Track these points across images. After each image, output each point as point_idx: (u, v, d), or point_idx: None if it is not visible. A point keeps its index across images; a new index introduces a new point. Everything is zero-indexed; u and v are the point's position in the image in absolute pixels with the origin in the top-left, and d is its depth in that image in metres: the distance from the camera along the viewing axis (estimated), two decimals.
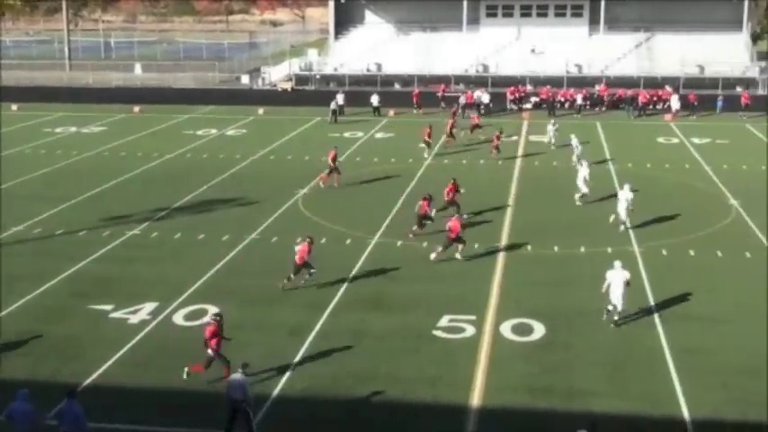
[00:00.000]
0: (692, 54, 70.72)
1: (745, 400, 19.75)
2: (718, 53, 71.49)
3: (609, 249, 30.38)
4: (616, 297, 23.74)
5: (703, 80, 69.17)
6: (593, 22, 75.63)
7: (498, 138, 46.14)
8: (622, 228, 32.59)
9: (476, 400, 20.03)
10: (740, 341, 22.85)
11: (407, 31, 79.59)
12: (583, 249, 30.59)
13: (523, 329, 23.81)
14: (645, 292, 26.44)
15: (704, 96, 62.29)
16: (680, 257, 29.66)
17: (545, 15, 77.46)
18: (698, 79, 69.23)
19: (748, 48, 74.01)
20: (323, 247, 30.67)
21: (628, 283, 23.85)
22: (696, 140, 51.06)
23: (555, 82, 68.37)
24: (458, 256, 29.32)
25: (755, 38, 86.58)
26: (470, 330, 23.76)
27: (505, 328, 23.88)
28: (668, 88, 65.19)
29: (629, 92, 63.68)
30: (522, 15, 77.75)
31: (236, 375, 18.43)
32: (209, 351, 20.58)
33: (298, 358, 21.88)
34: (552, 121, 51.66)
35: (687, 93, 62.66)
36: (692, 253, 29.94)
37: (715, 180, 40.95)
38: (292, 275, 26.67)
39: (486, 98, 61.94)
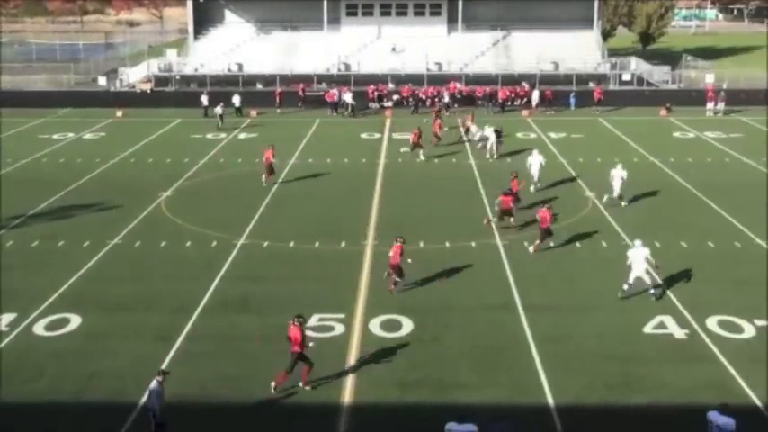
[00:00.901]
0: (547, 51, 72.99)
1: (605, 384, 20.53)
2: (572, 50, 74.04)
3: (473, 243, 31.03)
4: (638, 272, 25.38)
5: (558, 76, 71.45)
6: (452, 20, 76.97)
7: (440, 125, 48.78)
8: (623, 204, 35.53)
9: (347, 397, 20.14)
10: (598, 328, 23.73)
11: (268, 31, 79.17)
12: (448, 244, 31.12)
13: (392, 325, 24.06)
14: (509, 283, 27.12)
15: (559, 92, 64.31)
16: (541, 250, 30.50)
17: (404, 14, 78.39)
18: (553, 76, 71.48)
19: (599, 45, 76.81)
20: (188, 250, 30.25)
21: (648, 261, 25.47)
22: (553, 135, 52.60)
23: (416, 80, 69.24)
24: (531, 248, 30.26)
25: (606, 35, 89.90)
26: (339, 328, 23.85)
27: (374, 325, 24.08)
28: (525, 85, 66.97)
29: (488, 89, 65.13)
30: (382, 14, 78.47)
31: (153, 383, 18.21)
32: (295, 352, 20.09)
33: (165, 364, 21.48)
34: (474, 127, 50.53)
35: (544, 89, 64.54)
36: (551, 244, 30.84)
37: (572, 173, 42.28)
38: (397, 278, 26.38)
39: (348, 97, 62.22)
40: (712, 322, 24.00)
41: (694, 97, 64.80)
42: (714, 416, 16.68)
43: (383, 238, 31.66)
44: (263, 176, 39.89)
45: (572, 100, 63.58)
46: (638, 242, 26.21)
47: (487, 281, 27.48)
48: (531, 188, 37.66)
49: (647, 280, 25.66)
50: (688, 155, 46.39)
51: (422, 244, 31.09)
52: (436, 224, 33.66)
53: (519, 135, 53.14)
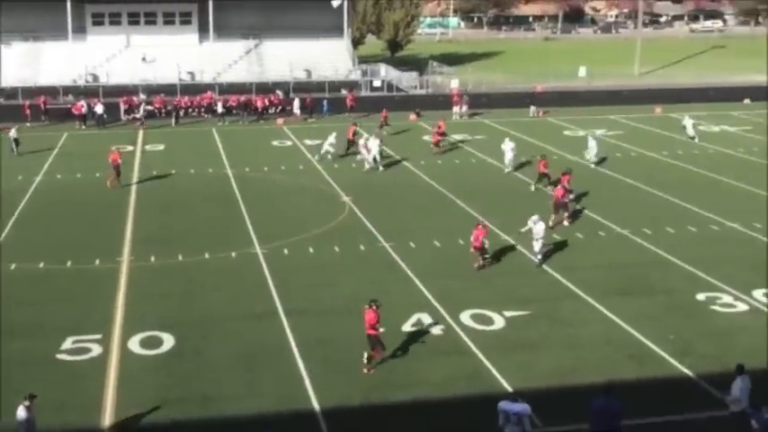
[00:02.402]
0: (299, 59, 73.65)
1: (369, 385, 20.93)
2: (324, 58, 75.14)
3: (233, 254, 30.77)
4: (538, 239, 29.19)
5: (311, 84, 72.25)
6: (203, 29, 76.00)
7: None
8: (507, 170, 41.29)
9: (107, 420, 19.39)
10: (359, 330, 24.11)
11: (8, 42, 74.78)
12: (207, 256, 30.69)
13: (152, 342, 23.40)
14: (270, 291, 27.09)
15: (314, 99, 65.01)
16: (301, 255, 30.70)
17: (154, 23, 76.46)
18: (306, 83, 72.22)
19: (350, 53, 78.42)
20: None
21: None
22: (308, 142, 53.06)
23: (168, 90, 67.84)
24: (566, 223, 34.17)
25: (356, 43, 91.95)
26: (97, 350, 22.92)
27: (133, 343, 23.32)
28: (279, 93, 67.26)
29: (242, 97, 64.90)
30: (131, 23, 76.15)
31: (20, 410, 16.99)
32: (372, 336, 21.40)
33: None
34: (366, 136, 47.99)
35: (304, 96, 64.94)
36: (311, 250, 31.12)
37: (328, 179, 42.85)
38: (481, 259, 28.92)
39: (99, 109, 60.04)
40: (465, 316, 25.04)
41: (441, 101, 67.50)
42: (506, 404, 17.25)
43: (139, 254, 30.78)
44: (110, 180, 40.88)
45: (325, 107, 64.47)
46: (535, 217, 29.44)
47: (249, 290, 27.32)
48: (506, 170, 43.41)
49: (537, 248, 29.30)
50: (438, 157, 48.16)
51: (180, 257, 30.47)
52: (194, 236, 33.10)
53: (275, 143, 53.29)
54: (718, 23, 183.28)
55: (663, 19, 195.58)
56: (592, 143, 46.62)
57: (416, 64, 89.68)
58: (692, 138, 52.73)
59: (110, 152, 42.07)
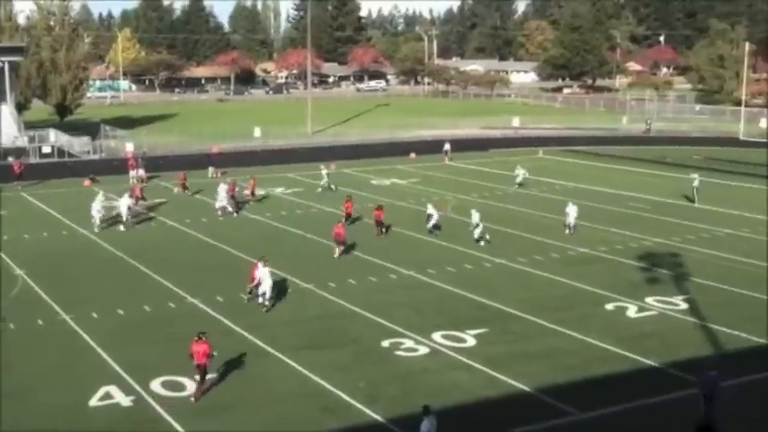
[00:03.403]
0: None
1: None
2: None
3: None
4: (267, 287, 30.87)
5: None
6: None
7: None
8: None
9: None
10: (44, 408, 22.66)
11: None
12: None
13: None
14: None
15: None
16: None
17: None
18: None
19: (15, 118, 74.47)
20: None
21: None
22: None
23: None
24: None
25: (21, 108, 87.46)
26: None
27: None
28: None
29: None
30: None
31: None
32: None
33: None
34: None
35: None
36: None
37: None
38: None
39: None
40: (156, 384, 24.28)
41: (116, 166, 65.75)
42: None
43: None
44: None
45: None
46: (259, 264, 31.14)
47: None
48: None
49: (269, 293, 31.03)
50: (120, 224, 46.56)
51: None
52: None
53: None
54: (382, 83, 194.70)
55: (331, 79, 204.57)
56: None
57: (88, 128, 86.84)
58: (520, 185, 57.68)
59: None
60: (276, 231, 44.79)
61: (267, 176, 62.65)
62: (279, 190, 56.40)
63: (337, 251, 38.68)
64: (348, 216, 44.88)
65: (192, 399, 23.34)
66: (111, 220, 46.15)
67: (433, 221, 43.27)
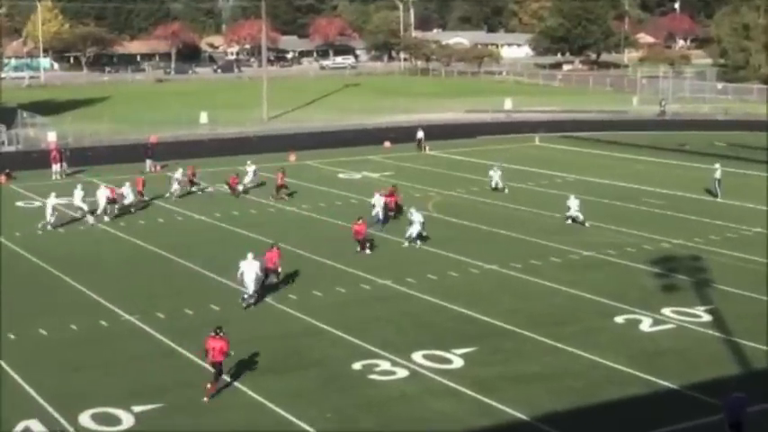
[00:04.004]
0: None
1: None
2: None
3: None
4: (249, 281, 32.68)
5: None
6: None
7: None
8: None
9: None
10: None
11: None
12: None
13: None
14: None
15: None
16: None
17: None
18: None
19: None
20: None
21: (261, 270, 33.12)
22: None
23: None
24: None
25: None
26: None
27: None
28: None
29: None
30: None
31: None
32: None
33: None
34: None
35: None
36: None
37: None
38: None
39: None
40: (86, 417, 24.09)
41: (37, 159, 65.28)
42: None
43: None
44: None
45: None
46: (250, 255, 32.89)
47: None
48: None
49: (251, 288, 32.93)
50: (27, 223, 46.18)
51: None
52: None
53: None
54: (350, 59, 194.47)
55: (290, 55, 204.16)
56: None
57: (2, 115, 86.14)
58: (495, 188, 54.17)
59: None
60: (225, 233, 44.61)
61: (213, 170, 62.34)
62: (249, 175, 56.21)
63: (359, 248, 40.58)
64: (393, 209, 47.14)
65: (204, 399, 24.95)
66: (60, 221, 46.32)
67: (415, 229, 41.30)
